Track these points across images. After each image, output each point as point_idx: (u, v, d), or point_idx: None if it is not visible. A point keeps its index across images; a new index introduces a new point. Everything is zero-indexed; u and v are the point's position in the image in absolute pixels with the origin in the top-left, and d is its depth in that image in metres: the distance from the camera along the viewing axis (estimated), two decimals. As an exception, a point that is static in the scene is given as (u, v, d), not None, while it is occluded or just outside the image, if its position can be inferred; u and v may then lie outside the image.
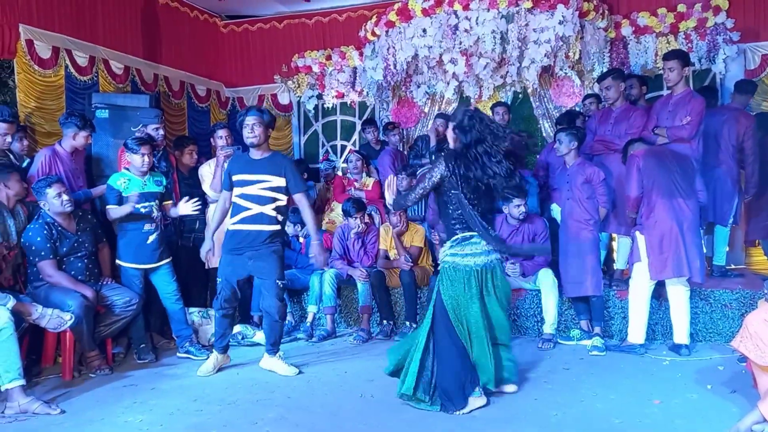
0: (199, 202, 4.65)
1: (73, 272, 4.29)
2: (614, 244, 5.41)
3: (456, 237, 3.46)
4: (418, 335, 3.51)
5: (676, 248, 4.21)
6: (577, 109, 6.30)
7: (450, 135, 3.55)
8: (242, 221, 4.05)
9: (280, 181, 4.04)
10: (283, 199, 4.09)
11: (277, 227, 4.08)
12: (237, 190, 4.08)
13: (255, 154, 4.10)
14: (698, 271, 4.24)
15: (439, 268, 3.65)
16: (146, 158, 4.50)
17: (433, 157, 3.51)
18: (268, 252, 4.05)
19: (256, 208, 4.02)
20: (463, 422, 3.22)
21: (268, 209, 4.03)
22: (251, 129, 4.00)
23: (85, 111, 5.42)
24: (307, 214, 4.16)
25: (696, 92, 4.93)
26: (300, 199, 4.13)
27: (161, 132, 5.23)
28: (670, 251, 4.22)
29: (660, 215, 4.28)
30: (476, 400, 3.35)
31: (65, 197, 4.19)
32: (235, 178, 4.10)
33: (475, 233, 3.41)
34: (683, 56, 4.96)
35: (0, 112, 4.53)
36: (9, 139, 4.54)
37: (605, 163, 5.06)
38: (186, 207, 4.57)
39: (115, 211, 4.46)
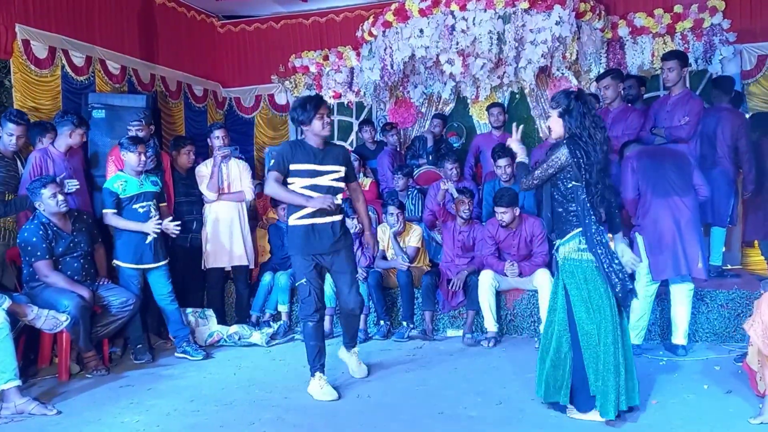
0: (179, 225, 4.65)
1: (69, 272, 4.28)
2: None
3: (577, 231, 3.16)
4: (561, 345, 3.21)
5: (673, 247, 4.19)
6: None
7: (556, 124, 3.22)
8: (315, 215, 3.72)
9: (343, 171, 3.82)
10: (343, 190, 3.91)
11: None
12: (303, 181, 3.70)
13: (318, 144, 3.75)
14: (701, 270, 4.20)
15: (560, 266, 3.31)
16: (142, 157, 4.51)
17: (552, 150, 3.15)
18: (344, 245, 3.86)
19: None
20: (462, 423, 3.22)
21: (339, 200, 3.81)
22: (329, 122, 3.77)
23: (82, 111, 5.41)
24: (362, 205, 4.04)
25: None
26: (356, 188, 4.01)
27: (141, 134, 4.97)
28: (669, 251, 4.20)
29: (656, 215, 4.26)
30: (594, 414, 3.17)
31: (60, 197, 4.19)
32: (297, 167, 3.69)
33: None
34: (682, 56, 4.98)
35: (8, 113, 4.50)
36: (14, 141, 4.46)
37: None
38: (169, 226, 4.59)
39: (116, 221, 4.47)
